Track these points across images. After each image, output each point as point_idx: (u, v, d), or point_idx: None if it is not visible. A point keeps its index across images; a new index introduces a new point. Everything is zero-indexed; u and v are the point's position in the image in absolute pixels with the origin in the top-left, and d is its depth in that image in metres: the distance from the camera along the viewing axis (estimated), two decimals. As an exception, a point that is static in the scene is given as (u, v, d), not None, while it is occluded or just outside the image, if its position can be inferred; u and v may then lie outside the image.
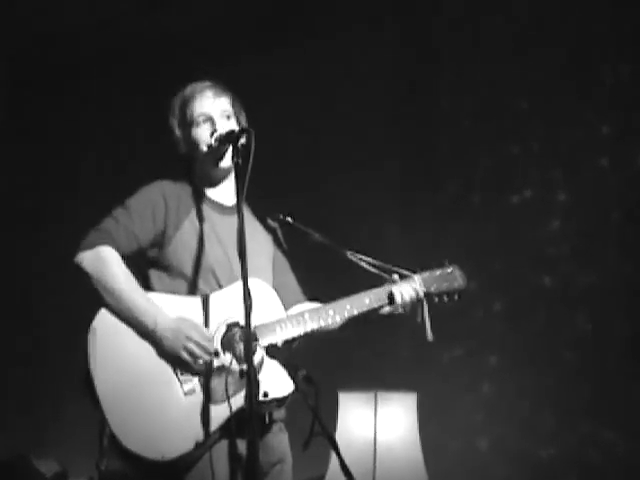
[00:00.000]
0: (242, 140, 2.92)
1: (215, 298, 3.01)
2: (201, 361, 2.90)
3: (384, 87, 5.15)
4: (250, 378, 2.62)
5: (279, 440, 3.09)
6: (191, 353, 2.89)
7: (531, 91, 4.74)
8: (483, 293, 4.67)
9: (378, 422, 4.25)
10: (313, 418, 2.83)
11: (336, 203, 5.05)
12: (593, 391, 4.41)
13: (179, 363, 2.90)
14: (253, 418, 2.61)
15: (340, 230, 4.83)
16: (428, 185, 4.95)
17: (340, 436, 4.20)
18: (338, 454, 2.89)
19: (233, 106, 3.22)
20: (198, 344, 2.89)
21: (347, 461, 2.89)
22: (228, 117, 3.17)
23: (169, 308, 2.97)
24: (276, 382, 2.95)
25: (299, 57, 5.38)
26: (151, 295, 3.01)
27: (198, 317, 2.98)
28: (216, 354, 2.91)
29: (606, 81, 4.56)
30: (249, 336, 2.67)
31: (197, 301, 3.01)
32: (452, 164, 4.92)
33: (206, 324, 2.97)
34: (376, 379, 4.46)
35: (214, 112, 3.16)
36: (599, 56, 4.59)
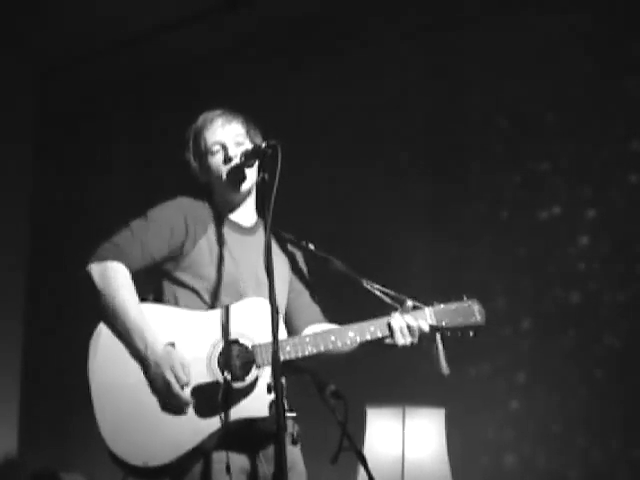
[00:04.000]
0: (268, 154, 2.93)
1: (217, 315, 3.04)
2: (173, 399, 2.92)
3: (413, 107, 5.16)
4: (277, 393, 2.64)
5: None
6: (167, 386, 2.92)
7: (560, 108, 4.73)
8: (512, 310, 4.65)
9: (406, 436, 4.24)
10: (342, 433, 2.82)
11: (366, 220, 5.06)
12: (623, 409, 4.37)
13: (155, 389, 2.95)
14: (280, 433, 2.62)
15: (369, 248, 4.86)
16: (457, 202, 4.94)
17: (368, 450, 4.20)
18: (366, 469, 2.89)
19: (247, 130, 3.25)
20: (177, 377, 2.92)
21: (375, 476, 2.89)
22: (240, 143, 3.19)
23: (173, 322, 3.03)
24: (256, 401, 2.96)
25: (329, 79, 5.43)
26: (154, 307, 3.08)
27: (199, 332, 3.02)
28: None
29: (635, 97, 4.53)
30: (277, 349, 2.69)
31: (200, 316, 3.05)
32: (482, 182, 4.91)
33: (200, 339, 3.00)
34: (404, 394, 4.45)
35: (226, 139, 3.20)
36: (629, 72, 4.57)
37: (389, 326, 3.10)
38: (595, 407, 4.43)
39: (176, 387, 2.91)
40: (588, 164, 4.61)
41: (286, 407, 2.88)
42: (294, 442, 3.10)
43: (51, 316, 6.32)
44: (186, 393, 2.92)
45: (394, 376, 4.69)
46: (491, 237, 4.81)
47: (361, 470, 3.80)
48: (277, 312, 2.74)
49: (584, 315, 4.53)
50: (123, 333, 2.98)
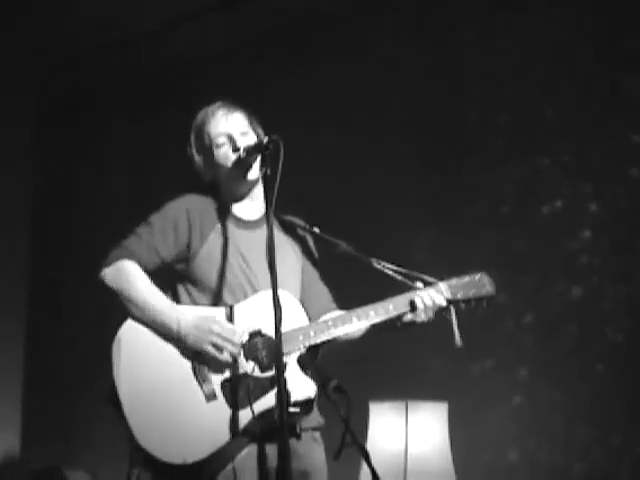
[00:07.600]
0: (270, 149, 2.93)
1: (238, 309, 3.05)
2: (226, 353, 2.94)
3: (413, 101, 5.16)
4: (280, 388, 2.65)
5: (310, 449, 3.10)
6: (215, 345, 2.94)
7: (561, 102, 4.73)
8: (514, 305, 4.65)
9: (409, 431, 4.24)
10: (344, 428, 2.82)
11: (367, 217, 5.05)
12: (625, 404, 4.37)
13: (203, 359, 2.96)
14: (284, 427, 2.62)
15: (371, 243, 4.86)
16: (459, 198, 4.94)
17: (371, 445, 4.19)
18: (369, 464, 2.88)
19: (249, 120, 3.25)
20: (221, 335, 2.93)
21: (378, 471, 2.88)
22: (245, 133, 3.19)
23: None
24: (297, 386, 2.95)
25: (328, 77, 5.43)
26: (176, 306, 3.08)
27: None
28: (243, 346, 2.97)
29: (635, 91, 4.53)
30: (280, 346, 2.70)
31: (220, 311, 3.05)
32: (482, 176, 4.91)
33: None
34: (406, 389, 4.45)
35: (231, 130, 3.18)
36: (628, 66, 4.57)
37: (411, 302, 3.13)
38: (598, 402, 4.43)
39: (224, 331, 2.93)
40: (589, 158, 4.61)
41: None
42: (298, 436, 3.05)
43: (53, 314, 6.32)
44: (237, 339, 2.94)
45: (397, 371, 4.69)
46: (492, 232, 4.80)
47: (364, 465, 3.80)
48: (280, 308, 2.71)
49: (586, 309, 4.53)
50: (150, 322, 2.99)
